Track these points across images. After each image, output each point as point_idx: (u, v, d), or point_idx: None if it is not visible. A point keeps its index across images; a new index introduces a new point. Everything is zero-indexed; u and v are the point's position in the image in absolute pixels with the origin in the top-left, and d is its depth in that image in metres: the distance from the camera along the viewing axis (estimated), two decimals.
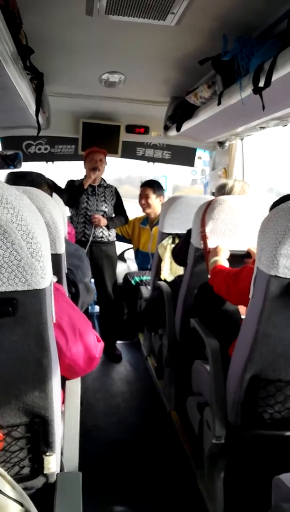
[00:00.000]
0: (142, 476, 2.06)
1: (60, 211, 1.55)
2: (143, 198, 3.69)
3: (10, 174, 1.87)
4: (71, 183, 3.48)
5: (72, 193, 3.38)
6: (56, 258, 1.52)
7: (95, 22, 1.81)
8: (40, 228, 0.90)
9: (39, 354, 0.95)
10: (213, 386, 1.63)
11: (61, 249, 1.55)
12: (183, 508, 1.85)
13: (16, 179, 1.78)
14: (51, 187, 1.87)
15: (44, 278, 0.90)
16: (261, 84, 1.55)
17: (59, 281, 1.59)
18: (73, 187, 3.42)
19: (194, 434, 1.89)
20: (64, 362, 1.21)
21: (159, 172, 4.28)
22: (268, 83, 1.51)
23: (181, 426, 2.34)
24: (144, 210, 3.74)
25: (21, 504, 0.86)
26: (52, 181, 2.13)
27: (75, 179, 3.51)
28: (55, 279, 0.99)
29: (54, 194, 1.98)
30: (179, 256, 2.57)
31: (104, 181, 3.52)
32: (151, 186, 3.67)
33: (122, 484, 2.00)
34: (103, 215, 3.43)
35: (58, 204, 1.76)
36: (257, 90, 1.59)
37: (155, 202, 3.65)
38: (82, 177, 3.48)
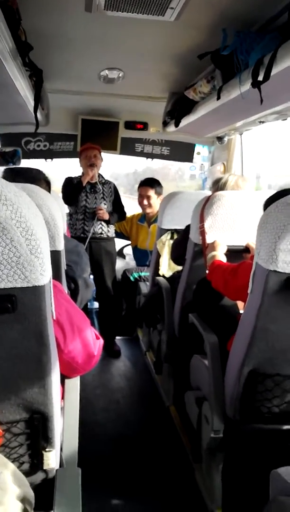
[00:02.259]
0: (141, 471, 2.07)
1: (59, 208, 1.55)
2: (144, 198, 3.65)
3: (7, 171, 1.86)
4: (69, 180, 3.46)
5: (71, 191, 3.37)
6: (55, 255, 1.52)
7: (94, 18, 1.81)
8: (39, 225, 0.90)
9: (38, 350, 0.95)
10: (211, 381, 1.64)
11: (60, 246, 1.55)
12: (181, 502, 1.87)
13: (14, 176, 1.77)
14: (49, 183, 1.87)
15: (44, 275, 0.90)
16: (261, 78, 1.55)
17: (58, 277, 1.59)
18: (71, 184, 3.41)
19: (192, 429, 1.90)
20: (62, 359, 1.21)
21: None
22: (267, 77, 1.51)
23: (180, 420, 2.35)
24: (144, 210, 3.72)
25: (26, 495, 0.88)
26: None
27: (73, 176, 3.50)
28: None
29: (52, 191, 1.98)
30: (175, 251, 2.57)
31: (102, 177, 3.51)
32: (152, 185, 3.64)
33: (121, 479, 2.01)
34: None
35: (57, 201, 1.76)
36: (256, 84, 1.59)
37: (156, 202, 3.63)
38: (80, 174, 3.47)
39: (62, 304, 1.22)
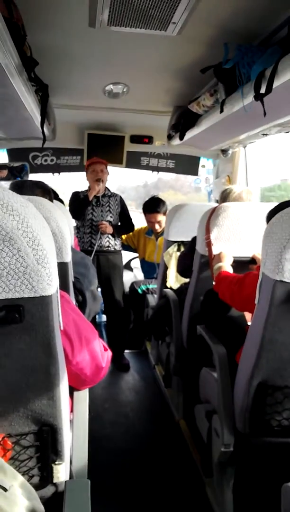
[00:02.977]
0: (150, 485, 2.04)
1: (66, 220, 1.56)
2: (155, 223, 3.65)
3: (10, 185, 1.89)
4: (75, 195, 3.49)
5: (78, 206, 3.39)
6: (62, 267, 1.52)
7: (98, 34, 1.84)
8: (46, 235, 0.90)
9: (46, 361, 0.95)
10: (220, 394, 1.62)
11: (68, 258, 1.56)
12: None
13: (16, 189, 1.78)
14: (49, 192, 1.87)
15: (51, 284, 0.90)
16: (263, 91, 1.57)
17: (66, 289, 1.59)
18: (78, 199, 3.43)
19: (203, 443, 1.88)
20: (71, 371, 1.21)
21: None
22: (269, 89, 1.52)
23: (190, 434, 2.32)
24: (156, 232, 3.72)
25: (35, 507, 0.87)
26: (53, 191, 2.13)
27: (80, 190, 3.53)
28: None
29: (59, 203, 2.00)
30: (181, 264, 2.58)
31: (108, 190, 3.53)
32: (159, 210, 3.62)
33: (131, 493, 1.98)
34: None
35: (64, 213, 1.78)
36: (259, 97, 1.60)
37: (164, 221, 3.63)
38: (86, 188, 3.49)
39: (69, 315, 1.22)
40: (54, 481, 1.03)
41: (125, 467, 2.18)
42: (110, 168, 3.51)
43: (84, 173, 3.53)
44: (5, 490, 0.83)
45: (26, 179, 3.37)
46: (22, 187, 1.81)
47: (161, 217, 3.62)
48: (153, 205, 3.64)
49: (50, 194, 1.86)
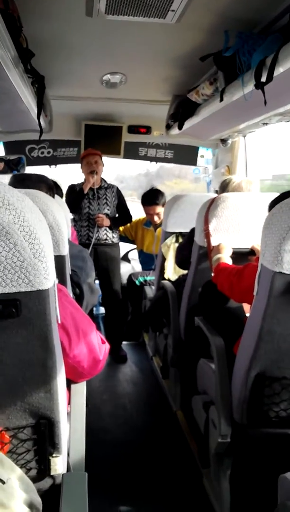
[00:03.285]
0: (148, 476, 2.05)
1: (63, 213, 1.55)
2: (154, 215, 3.63)
3: (11, 178, 1.87)
4: (71, 188, 3.46)
5: (74, 199, 3.37)
6: (59, 260, 1.52)
7: (95, 23, 1.82)
8: (43, 229, 0.90)
9: (43, 355, 0.95)
10: (218, 385, 1.62)
11: (65, 251, 1.55)
12: (189, 507, 1.85)
13: (15, 183, 1.77)
14: (52, 188, 1.85)
15: (48, 278, 0.89)
16: (263, 79, 1.55)
17: (63, 282, 1.59)
18: (74, 192, 3.41)
19: (200, 434, 1.89)
20: (68, 363, 1.20)
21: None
22: (270, 78, 1.50)
23: (187, 425, 2.33)
24: (154, 223, 3.70)
25: (33, 501, 0.87)
26: (55, 182, 2.11)
27: (76, 183, 3.50)
28: (56, 281, 0.98)
29: (57, 196, 1.98)
30: (179, 255, 2.57)
31: (105, 181, 3.50)
32: (157, 202, 3.60)
33: (128, 484, 2.00)
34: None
35: (61, 206, 1.76)
36: (260, 85, 1.58)
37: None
38: (82, 181, 3.46)
39: (67, 308, 1.21)
40: (52, 473, 1.03)
41: (122, 458, 2.19)
42: (108, 158, 3.48)
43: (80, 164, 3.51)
44: (3, 482, 0.83)
45: (22, 172, 3.35)
46: (26, 180, 1.78)
47: (160, 209, 3.60)
48: (152, 197, 3.61)
49: (53, 190, 1.84)
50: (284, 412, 1.43)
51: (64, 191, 3.46)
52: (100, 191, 3.44)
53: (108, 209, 3.43)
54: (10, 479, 0.86)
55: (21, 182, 1.77)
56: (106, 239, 3.43)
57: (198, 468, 1.98)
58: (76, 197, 3.37)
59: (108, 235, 3.44)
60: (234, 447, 1.60)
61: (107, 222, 3.39)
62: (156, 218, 3.64)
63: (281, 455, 1.45)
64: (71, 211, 3.38)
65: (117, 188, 3.57)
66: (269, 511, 1.09)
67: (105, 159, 3.47)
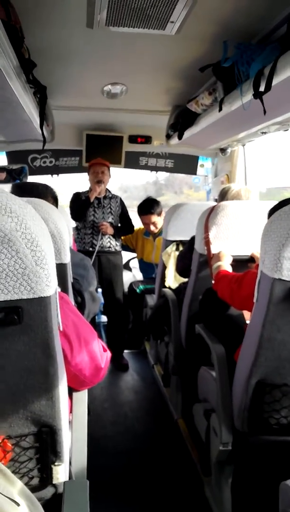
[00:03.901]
0: (149, 484, 2.04)
1: (65, 221, 1.56)
2: (150, 225, 3.65)
3: (14, 186, 1.86)
4: (77, 195, 3.50)
5: (79, 207, 3.40)
6: (61, 268, 1.52)
7: (96, 34, 1.84)
8: (44, 236, 0.90)
9: (45, 362, 0.95)
10: (219, 392, 1.62)
11: (66, 259, 1.56)
12: None
13: (20, 192, 1.77)
14: (56, 199, 1.87)
15: (49, 286, 0.90)
16: (262, 89, 1.57)
17: (65, 290, 1.59)
18: (79, 200, 3.44)
19: (201, 441, 1.88)
20: (70, 371, 1.20)
21: None
22: (268, 87, 1.52)
23: (189, 433, 2.33)
24: (151, 232, 3.72)
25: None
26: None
27: (80, 191, 3.53)
28: (59, 289, 0.99)
29: (60, 206, 1.99)
30: (180, 264, 2.58)
31: (109, 192, 3.54)
32: (153, 211, 3.62)
33: (130, 492, 1.99)
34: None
35: (63, 214, 1.77)
36: (258, 95, 1.60)
37: (160, 221, 3.62)
38: (87, 189, 3.50)
39: (68, 316, 1.22)
40: (54, 482, 1.02)
41: (124, 467, 2.18)
42: (110, 167, 3.51)
43: (82, 173, 3.53)
44: (18, 505, 0.82)
45: (25, 181, 3.37)
46: (33, 191, 1.78)
47: (155, 218, 3.62)
48: (147, 207, 3.64)
49: (57, 201, 1.86)
50: (285, 419, 1.43)
51: (61, 198, 3.48)
52: (105, 201, 3.47)
53: (112, 218, 3.47)
54: (10, 491, 0.85)
55: (28, 191, 1.77)
56: (109, 247, 3.46)
57: (199, 476, 1.97)
58: (81, 206, 3.40)
59: (111, 243, 3.46)
60: (235, 455, 1.60)
61: (110, 230, 3.42)
62: (152, 228, 3.66)
63: (282, 463, 1.45)
64: (76, 219, 3.42)
65: (121, 198, 3.60)
66: None
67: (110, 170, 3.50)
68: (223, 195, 2.26)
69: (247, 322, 1.66)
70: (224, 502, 1.68)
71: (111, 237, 3.46)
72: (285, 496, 1.08)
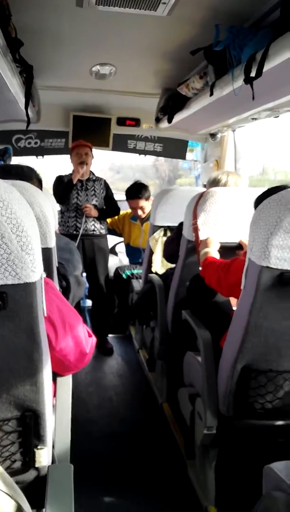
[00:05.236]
0: (134, 468, 2.07)
1: (50, 205, 1.54)
2: (137, 209, 3.62)
3: None
4: (59, 179, 3.44)
5: (62, 190, 3.35)
6: (46, 252, 1.50)
7: (86, 13, 1.80)
8: (30, 221, 0.89)
9: (29, 347, 0.94)
10: (204, 377, 1.64)
11: (52, 243, 1.54)
12: (175, 498, 1.87)
13: (4, 173, 1.73)
14: (41, 182, 1.83)
15: (35, 271, 0.89)
16: (253, 74, 1.55)
17: (50, 275, 1.58)
18: (62, 183, 3.39)
19: (186, 426, 1.90)
20: (54, 357, 1.20)
21: None
22: (259, 73, 1.51)
23: (173, 417, 2.35)
24: (139, 217, 3.70)
25: (11, 497, 0.86)
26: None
27: (64, 174, 3.48)
28: (44, 274, 0.98)
29: (44, 188, 1.96)
30: (167, 250, 2.57)
31: (93, 174, 3.50)
32: (140, 196, 3.58)
33: (114, 476, 2.01)
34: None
35: (48, 198, 1.74)
36: (249, 80, 1.58)
37: (148, 205, 3.60)
38: (70, 172, 3.44)
39: (53, 301, 1.21)
40: (36, 465, 1.02)
41: (108, 450, 2.20)
42: (97, 150, 3.47)
43: (68, 156, 3.48)
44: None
45: (9, 162, 3.31)
46: (18, 173, 1.74)
47: (143, 203, 3.60)
48: (135, 191, 3.60)
49: (41, 183, 1.82)
50: (270, 404, 1.45)
51: (46, 181, 3.43)
52: (89, 183, 3.43)
53: (96, 201, 3.42)
54: None
55: (15, 175, 1.72)
56: (93, 230, 3.42)
57: (183, 460, 2.00)
58: (64, 188, 3.35)
59: (95, 226, 3.43)
60: (220, 439, 1.62)
61: (94, 212, 3.38)
62: (140, 212, 3.63)
63: (266, 446, 1.47)
64: (59, 202, 3.36)
65: (105, 181, 3.56)
66: (254, 501, 1.11)
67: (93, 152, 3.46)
68: (212, 185, 2.25)
69: (234, 308, 1.67)
70: (207, 485, 1.71)
71: (95, 220, 3.42)
72: (268, 479, 1.10)
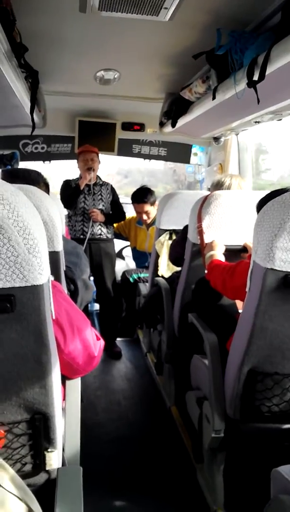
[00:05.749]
0: (142, 471, 2.07)
1: (57, 209, 1.55)
2: (143, 214, 3.64)
3: (5, 172, 1.84)
4: (67, 183, 3.47)
5: (69, 195, 3.38)
6: (54, 256, 1.52)
7: (89, 19, 1.81)
8: (37, 224, 0.90)
9: (38, 350, 0.95)
10: (211, 380, 1.64)
11: (59, 247, 1.55)
12: (183, 502, 1.86)
13: (12, 177, 1.75)
14: (48, 186, 1.85)
15: (42, 274, 0.90)
16: (255, 77, 1.56)
17: (58, 278, 1.59)
18: (69, 187, 3.41)
19: (194, 429, 1.90)
20: (63, 360, 1.21)
21: None
22: (262, 76, 1.51)
23: (181, 421, 2.35)
24: (144, 222, 3.72)
25: (22, 500, 0.87)
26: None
27: (71, 178, 3.50)
28: (52, 278, 0.99)
29: (51, 193, 1.98)
30: (173, 253, 2.58)
31: (100, 178, 3.52)
32: (146, 200, 3.60)
33: (123, 479, 2.01)
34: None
35: (55, 202, 1.76)
36: (252, 84, 1.59)
37: (153, 210, 3.62)
38: (77, 176, 3.47)
39: (61, 304, 1.21)
40: (47, 468, 1.03)
41: (117, 453, 2.20)
42: (103, 154, 3.48)
43: (74, 160, 3.50)
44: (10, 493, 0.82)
45: (16, 167, 3.33)
46: (25, 177, 1.75)
47: (148, 208, 3.61)
48: (140, 196, 3.62)
49: (48, 188, 1.84)
50: (276, 407, 1.45)
51: (53, 185, 3.45)
52: (96, 188, 3.45)
53: (102, 205, 3.44)
54: (2, 478, 0.85)
55: (22, 179, 1.74)
56: (100, 235, 3.44)
57: (192, 463, 1.99)
58: (72, 193, 3.37)
59: (102, 230, 3.45)
60: (228, 442, 1.62)
61: (101, 217, 3.40)
62: (145, 217, 3.65)
63: (274, 449, 1.47)
64: (66, 207, 3.39)
65: (112, 186, 3.58)
66: (262, 505, 1.11)
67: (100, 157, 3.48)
68: (215, 187, 2.26)
69: (240, 311, 1.67)
70: (216, 489, 1.70)
71: (102, 224, 3.44)
72: (276, 482, 1.10)
